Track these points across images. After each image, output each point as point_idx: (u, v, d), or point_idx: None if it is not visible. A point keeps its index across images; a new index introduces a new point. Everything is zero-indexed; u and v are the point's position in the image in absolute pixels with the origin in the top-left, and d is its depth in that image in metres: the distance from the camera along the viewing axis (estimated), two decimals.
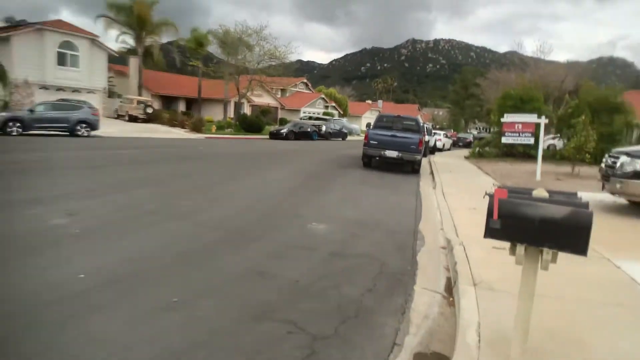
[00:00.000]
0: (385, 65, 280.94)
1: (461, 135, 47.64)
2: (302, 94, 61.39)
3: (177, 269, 4.41)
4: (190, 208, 6.95)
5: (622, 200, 8.45)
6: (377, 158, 13.96)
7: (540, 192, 2.52)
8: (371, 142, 13.73)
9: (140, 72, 36.73)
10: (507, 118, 13.69)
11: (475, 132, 60.56)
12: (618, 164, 7.66)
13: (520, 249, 2.33)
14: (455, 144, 39.17)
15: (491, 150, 23.79)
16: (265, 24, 35.33)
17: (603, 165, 8.52)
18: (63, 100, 22.09)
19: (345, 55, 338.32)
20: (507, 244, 2.52)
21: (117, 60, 43.09)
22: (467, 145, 38.70)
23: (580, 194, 2.78)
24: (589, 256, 2.26)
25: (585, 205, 2.33)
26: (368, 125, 15.10)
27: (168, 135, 24.53)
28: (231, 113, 37.88)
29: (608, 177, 7.91)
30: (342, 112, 62.22)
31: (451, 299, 4.21)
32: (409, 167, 14.27)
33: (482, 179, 13.45)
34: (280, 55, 35.04)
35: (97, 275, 4.04)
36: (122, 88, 37.77)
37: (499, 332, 3.27)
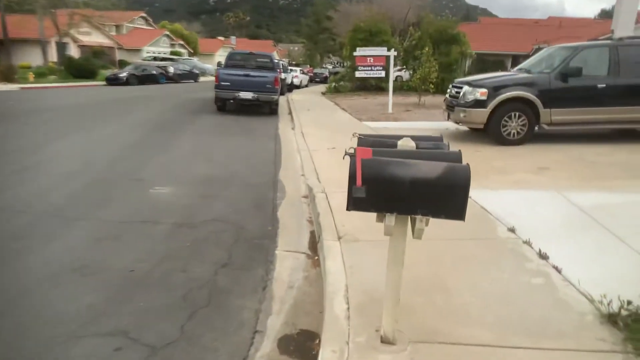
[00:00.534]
0: None
1: (317, 70, 48.13)
2: (142, 31, 54.12)
3: None
4: None
5: (465, 128, 9.13)
6: (232, 101, 12.87)
7: (406, 143, 2.09)
8: (222, 83, 12.48)
9: None
10: (359, 52, 13.72)
11: (330, 67, 61.88)
12: (461, 94, 8.09)
13: (390, 218, 1.88)
14: (312, 80, 39.40)
15: (346, 84, 24.34)
16: None
17: (447, 95, 8.99)
18: None
19: None
20: None
21: None
22: (324, 80, 39.29)
23: (445, 141, 2.44)
24: None
25: (458, 156, 1.96)
26: (219, 64, 13.69)
27: None
28: (54, 56, 31.54)
29: (452, 106, 8.36)
30: (192, 51, 57.24)
31: (316, 257, 3.82)
32: (267, 108, 13.54)
33: (339, 115, 13.52)
34: None
35: None
36: None
37: (368, 294, 2.96)
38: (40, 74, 26.49)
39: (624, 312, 2.72)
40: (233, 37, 76.33)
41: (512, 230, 4.07)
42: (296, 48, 79.54)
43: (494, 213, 4.50)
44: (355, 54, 13.79)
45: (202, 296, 3.06)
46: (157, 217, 4.46)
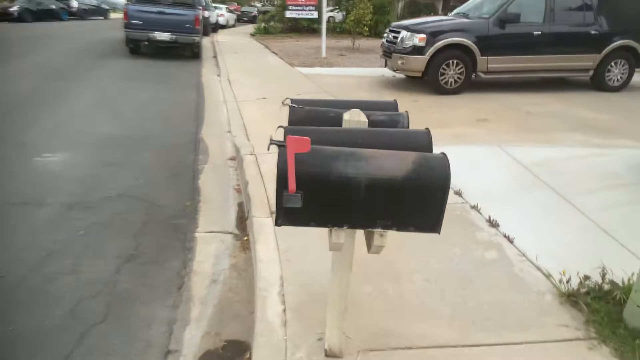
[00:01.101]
0: None
1: (245, 9, 44.85)
2: None
3: None
4: None
5: (401, 75, 8.69)
6: (146, 43, 11.27)
7: (356, 117, 1.52)
8: (133, 22, 10.76)
9: None
10: None
11: (259, 5, 57.98)
12: (399, 39, 7.54)
13: (339, 234, 1.34)
14: (239, 20, 36.66)
15: (276, 25, 22.76)
16: None
17: (384, 40, 8.40)
18: None
19: None
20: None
21: None
22: (252, 20, 36.70)
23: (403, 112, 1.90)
24: None
25: (426, 137, 1.43)
26: None
27: None
28: None
29: (390, 53, 7.81)
30: None
31: (245, 237, 3.26)
32: (188, 52, 12.08)
33: (270, 60, 12.48)
34: None
35: None
36: None
37: (307, 289, 2.48)
38: None
39: (582, 290, 2.51)
40: None
41: (458, 193, 3.77)
42: None
43: None
44: None
45: (98, 308, 2.40)
46: (41, 196, 3.57)
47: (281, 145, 1.22)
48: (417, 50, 7.28)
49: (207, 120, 6.12)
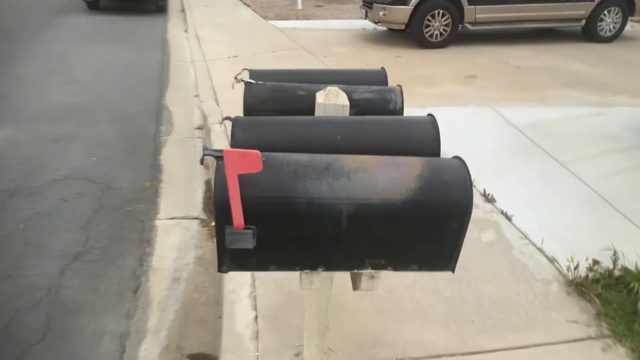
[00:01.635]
0: None
1: None
2: None
3: None
4: None
5: (383, 28, 8.09)
6: None
7: (334, 98, 1.12)
8: None
9: None
10: None
11: None
12: None
13: (312, 278, 0.98)
14: None
15: None
16: None
17: None
18: None
19: None
20: None
21: None
22: None
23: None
24: None
25: (431, 127, 1.05)
26: None
27: None
28: None
29: (370, 3, 7.18)
30: None
31: (213, 224, 2.88)
32: (152, 5, 11.06)
33: (242, 13, 11.58)
34: None
35: None
36: None
37: (282, 288, 2.16)
38: None
39: (592, 277, 2.25)
40: None
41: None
42: None
43: None
44: None
45: (36, 322, 2.04)
46: None
47: (218, 157, 0.83)
48: (400, 0, 6.68)
49: (172, 84, 5.54)
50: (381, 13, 6.98)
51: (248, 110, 1.37)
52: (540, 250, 2.48)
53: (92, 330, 2.01)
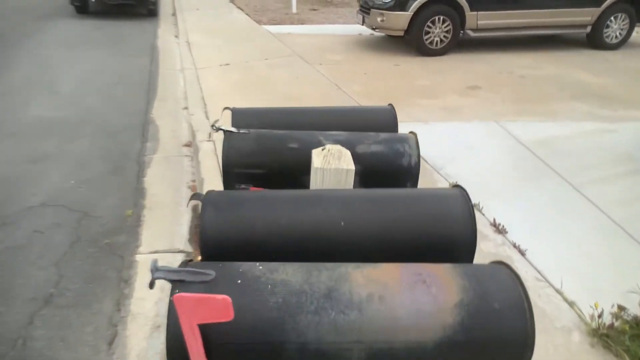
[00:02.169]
0: None
1: None
2: None
3: None
4: None
5: (381, 34, 7.87)
6: (94, 0, 9.95)
7: (333, 162, 0.89)
8: None
9: None
10: None
11: None
12: None
13: None
14: None
15: None
16: None
17: None
18: None
19: None
20: None
21: None
22: None
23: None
24: None
25: (462, 206, 0.83)
26: None
27: None
28: None
29: (368, 9, 6.95)
30: None
31: (200, 257, 2.63)
32: (143, 9, 10.77)
33: (235, 17, 11.33)
34: None
35: None
36: None
37: None
38: None
39: (617, 325, 2.03)
40: None
41: (456, 187, 3.20)
42: None
43: (430, 159, 3.56)
44: None
45: None
46: None
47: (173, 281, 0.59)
48: (399, 5, 6.46)
49: (160, 94, 5.28)
50: (379, 19, 6.76)
51: (227, 165, 1.14)
52: (558, 292, 2.25)
53: None
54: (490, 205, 2.95)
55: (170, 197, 3.19)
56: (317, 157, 1.04)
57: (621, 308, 2.09)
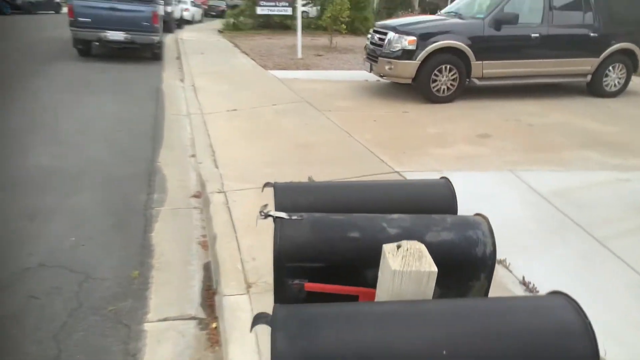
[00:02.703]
0: None
1: (213, 3, 43.30)
2: None
3: None
4: None
5: (386, 80, 7.93)
6: (97, 43, 10.04)
7: (412, 263, 0.74)
8: (81, 19, 9.41)
9: None
10: None
11: None
12: (386, 42, 6.76)
13: None
14: (206, 14, 35.24)
15: (246, 20, 21.66)
16: None
17: (368, 42, 7.60)
18: None
19: None
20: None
21: None
22: (221, 14, 35.39)
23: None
24: None
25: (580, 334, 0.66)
26: None
27: None
28: None
29: (375, 57, 7.02)
30: None
31: (214, 325, 2.40)
32: (148, 52, 10.91)
33: (240, 61, 11.49)
34: None
35: None
36: None
37: None
38: None
39: None
40: None
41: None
42: None
43: None
44: None
45: None
46: None
47: None
48: (407, 54, 6.52)
49: (166, 142, 5.16)
50: (387, 67, 6.81)
51: (280, 259, 0.96)
52: None
53: None
54: (517, 262, 2.79)
55: (179, 255, 2.97)
56: (394, 258, 0.87)
57: None
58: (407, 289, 0.89)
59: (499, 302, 0.84)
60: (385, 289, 0.91)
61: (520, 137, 5.41)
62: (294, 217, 1.02)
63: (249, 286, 2.54)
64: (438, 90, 6.79)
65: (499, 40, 6.75)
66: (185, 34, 18.63)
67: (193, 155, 4.73)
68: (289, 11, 12.08)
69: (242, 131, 5.50)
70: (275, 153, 4.71)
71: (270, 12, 12.22)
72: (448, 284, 1.02)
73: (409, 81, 6.81)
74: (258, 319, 0.76)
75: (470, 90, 7.22)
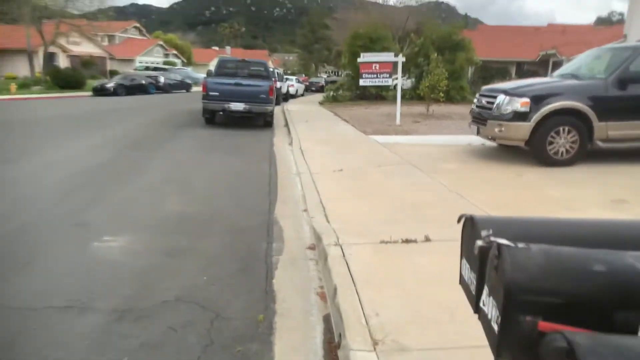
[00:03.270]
0: (231, 9, 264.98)
1: (313, 79, 47.12)
2: (134, 41, 53.02)
3: None
4: None
5: (492, 144, 7.69)
6: (221, 113, 11.42)
7: None
8: (211, 93, 11.01)
9: None
10: (364, 58, 12.28)
11: (325, 76, 61.00)
12: (495, 105, 6.66)
13: None
14: (307, 89, 38.30)
15: (345, 93, 23.03)
16: None
17: (474, 106, 7.56)
18: None
19: None
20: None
21: None
22: (320, 89, 38.29)
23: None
24: None
25: None
26: (209, 72, 12.26)
27: None
28: (42, 67, 30.10)
29: (484, 119, 6.91)
30: (185, 61, 56.10)
31: None
32: (261, 121, 12.09)
33: (341, 128, 12.08)
34: None
35: None
36: None
37: None
38: (25, 85, 25.10)
39: None
40: (228, 47, 75.42)
41: None
42: (291, 58, 78.68)
43: None
44: (359, 60, 12.35)
45: None
46: (90, 298, 2.93)
47: None
48: (519, 116, 6.31)
49: (280, 196, 5.46)
50: (497, 129, 6.62)
51: (511, 293, 0.87)
52: None
53: None
54: None
55: (300, 304, 3.00)
56: None
57: None
58: None
59: None
60: None
61: None
62: (520, 246, 0.94)
63: (375, 343, 2.43)
64: (555, 153, 6.36)
65: (625, 100, 6.25)
66: (291, 105, 20.29)
67: (305, 210, 4.91)
68: (389, 81, 12.60)
69: (350, 189, 5.62)
70: (386, 211, 4.69)
71: (372, 84, 12.85)
72: None
73: (521, 144, 6.51)
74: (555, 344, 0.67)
75: (592, 153, 6.65)
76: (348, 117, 14.09)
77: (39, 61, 29.55)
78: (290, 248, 3.90)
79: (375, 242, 3.73)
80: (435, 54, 14.93)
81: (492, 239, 0.90)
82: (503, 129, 6.46)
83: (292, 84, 28.27)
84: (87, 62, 37.77)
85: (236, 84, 11.12)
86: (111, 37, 48.54)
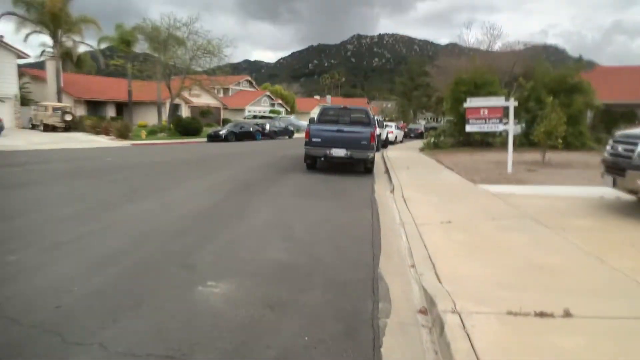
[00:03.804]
0: (333, 61, 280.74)
1: (412, 126, 46.73)
2: (245, 93, 58.22)
3: None
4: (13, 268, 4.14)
5: (630, 197, 6.53)
6: (322, 159, 11.54)
7: None
8: (313, 139, 11.23)
9: (58, 75, 32.45)
10: (471, 102, 11.67)
11: (424, 122, 60.11)
12: (636, 153, 5.68)
13: None
14: (406, 136, 37.94)
15: (446, 140, 22.20)
16: (195, 17, 31.62)
17: (607, 154, 6.56)
18: None
19: (292, 53, 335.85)
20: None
21: (36, 65, 39.07)
22: (419, 136, 37.72)
23: None
24: None
25: None
26: (311, 120, 12.65)
27: (89, 144, 20.81)
28: (168, 116, 34.36)
29: (622, 170, 5.91)
30: (289, 109, 59.78)
31: None
32: (361, 167, 11.97)
33: (445, 175, 11.41)
34: (213, 48, 31.74)
35: None
36: (40, 94, 33.40)
37: None
38: (152, 132, 28.65)
39: None
40: (328, 96, 79.14)
41: None
42: (389, 105, 79.48)
43: None
44: (466, 105, 11.76)
45: None
46: (191, 348, 2.82)
47: None
48: None
49: (384, 249, 5.09)
50: (639, 181, 5.59)
51: None
52: None
53: None
54: None
55: None
56: None
57: None
58: None
59: None
60: None
61: None
62: None
63: None
64: None
65: None
66: (390, 152, 20.04)
67: (412, 266, 4.47)
68: (499, 127, 11.72)
69: (462, 245, 5.05)
70: (508, 273, 4.06)
71: (479, 130, 12.07)
72: None
73: None
74: None
75: None
76: (452, 165, 13.36)
77: (165, 111, 33.70)
78: (399, 310, 3.48)
79: (500, 313, 3.16)
80: (551, 98, 13.70)
81: None
82: None
83: (392, 131, 28.16)
84: (204, 112, 42.16)
85: (338, 131, 11.23)
86: (225, 90, 54.02)
